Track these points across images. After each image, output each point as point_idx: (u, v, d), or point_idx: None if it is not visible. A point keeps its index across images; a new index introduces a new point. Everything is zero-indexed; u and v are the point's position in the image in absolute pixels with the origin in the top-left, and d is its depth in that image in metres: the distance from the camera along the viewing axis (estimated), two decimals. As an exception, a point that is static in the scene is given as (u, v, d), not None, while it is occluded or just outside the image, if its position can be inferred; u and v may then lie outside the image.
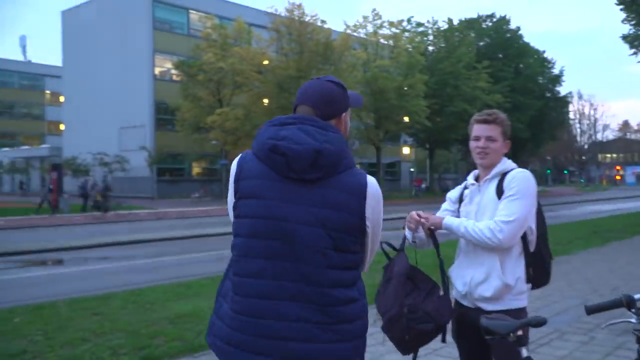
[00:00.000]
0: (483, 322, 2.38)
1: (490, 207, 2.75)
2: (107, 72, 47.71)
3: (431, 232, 2.81)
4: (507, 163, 2.87)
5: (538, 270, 2.80)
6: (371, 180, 1.97)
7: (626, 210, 27.26)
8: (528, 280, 2.78)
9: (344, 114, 2.08)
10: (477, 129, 2.88)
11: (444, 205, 3.09)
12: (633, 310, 2.25)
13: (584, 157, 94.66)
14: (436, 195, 43.05)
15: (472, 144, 2.89)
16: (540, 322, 2.27)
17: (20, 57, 78.88)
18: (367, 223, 1.95)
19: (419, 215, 2.79)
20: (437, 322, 2.51)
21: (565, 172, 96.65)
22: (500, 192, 2.75)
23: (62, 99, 57.28)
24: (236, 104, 38.43)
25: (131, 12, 45.90)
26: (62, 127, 56.70)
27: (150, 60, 45.28)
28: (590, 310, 2.35)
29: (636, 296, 2.25)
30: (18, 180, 56.16)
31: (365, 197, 1.93)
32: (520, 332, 2.27)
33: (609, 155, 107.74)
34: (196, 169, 47.55)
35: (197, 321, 6.42)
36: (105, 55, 48.05)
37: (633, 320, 2.26)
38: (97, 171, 43.99)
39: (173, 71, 44.41)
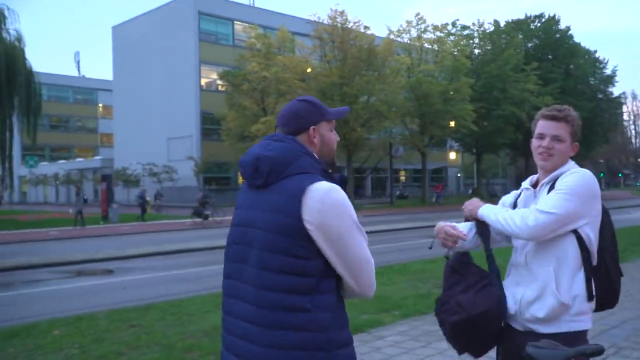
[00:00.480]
0: (528, 351, 2.06)
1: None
2: (155, 85, 48.91)
3: (476, 222, 2.61)
4: (569, 165, 2.53)
5: (602, 288, 2.44)
6: (321, 185, 1.93)
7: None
8: (590, 299, 2.38)
9: (312, 128, 2.10)
10: (542, 126, 2.52)
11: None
12: None
13: (639, 160, 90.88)
14: (484, 199, 42.02)
15: (535, 142, 2.53)
16: (598, 351, 1.97)
17: (74, 73, 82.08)
18: (307, 226, 1.90)
19: (453, 228, 2.57)
20: (468, 312, 2.41)
21: (620, 175, 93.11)
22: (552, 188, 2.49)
23: (113, 112, 59.02)
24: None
25: (178, 25, 46.96)
26: (113, 139, 58.37)
27: (197, 72, 46.16)
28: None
29: None
30: (73, 191, 57.98)
31: (301, 199, 1.91)
32: None
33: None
34: (242, 178, 48.01)
35: (232, 334, 6.31)
36: (153, 68, 49.30)
37: None
38: (146, 181, 45.10)
39: (218, 81, 45.09)
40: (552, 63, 49.69)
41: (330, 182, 1.97)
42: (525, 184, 2.65)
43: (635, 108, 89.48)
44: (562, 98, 46.17)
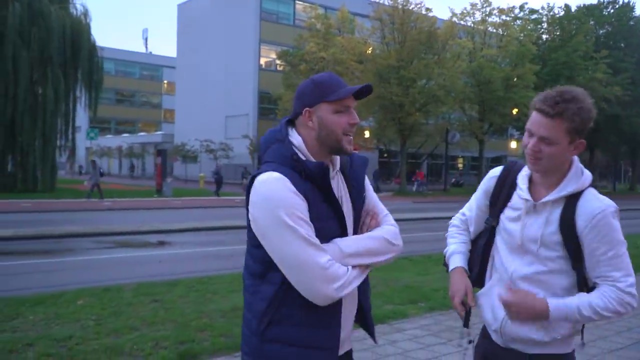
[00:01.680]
0: None
1: (547, 241, 2.05)
2: (216, 63, 49.54)
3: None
4: (577, 176, 2.06)
5: None
6: (262, 176, 1.89)
7: None
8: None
9: (307, 109, 1.98)
10: (532, 120, 2.03)
11: (470, 205, 2.40)
12: None
13: None
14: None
15: (524, 138, 2.09)
16: None
17: (142, 49, 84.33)
18: (249, 217, 1.94)
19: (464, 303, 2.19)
20: None
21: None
22: (567, 227, 2.01)
23: (175, 88, 60.32)
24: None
25: (240, 4, 47.22)
26: (174, 115, 59.75)
27: (257, 51, 46.39)
28: None
29: None
30: (129, 164, 59.86)
31: (249, 191, 1.92)
32: None
33: None
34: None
35: (251, 315, 6.22)
36: (214, 46, 49.91)
37: None
38: (203, 157, 45.97)
39: (277, 61, 45.16)
40: (624, 52, 47.00)
41: (299, 172, 1.89)
42: (522, 184, 2.15)
43: None
44: (633, 89, 43.74)
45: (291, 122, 2.04)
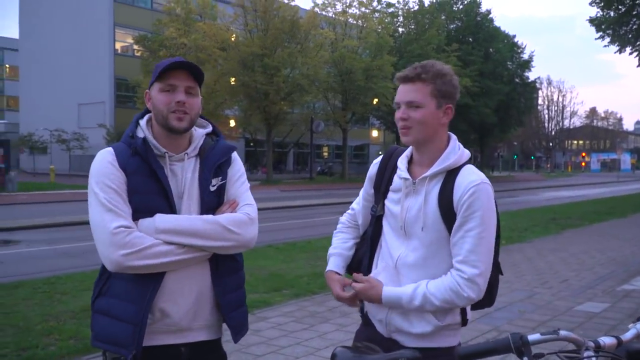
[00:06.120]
0: (335, 351, 1.75)
1: (428, 220, 1.96)
2: (66, 46, 46.00)
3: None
4: (454, 152, 2.00)
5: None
6: (100, 151, 2.07)
7: (587, 197, 27.30)
8: (464, 322, 2.05)
9: (146, 91, 2.10)
10: (398, 93, 2.01)
11: (358, 198, 2.31)
12: (525, 358, 1.48)
13: (551, 144, 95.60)
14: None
15: (396, 114, 2.02)
16: (412, 357, 1.62)
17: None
18: None
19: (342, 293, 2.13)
20: None
21: (532, 158, 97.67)
22: (445, 202, 1.94)
23: (19, 73, 55.17)
24: (199, 81, 37.29)
25: (91, -17, 44.16)
26: (19, 102, 54.70)
27: (111, 34, 43.77)
28: (463, 357, 1.53)
29: (530, 337, 1.50)
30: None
31: None
32: None
33: (575, 142, 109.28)
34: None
35: (104, 315, 5.76)
36: (63, 28, 46.30)
37: None
38: (54, 148, 42.61)
39: (134, 46, 42.96)
40: (472, 46, 50.78)
41: (127, 146, 2.00)
42: (402, 165, 2.07)
43: (549, 93, 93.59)
44: (481, 80, 47.44)
45: None
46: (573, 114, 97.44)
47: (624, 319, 5.89)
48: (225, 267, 2.06)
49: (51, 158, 43.50)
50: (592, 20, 23.97)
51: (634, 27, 23.55)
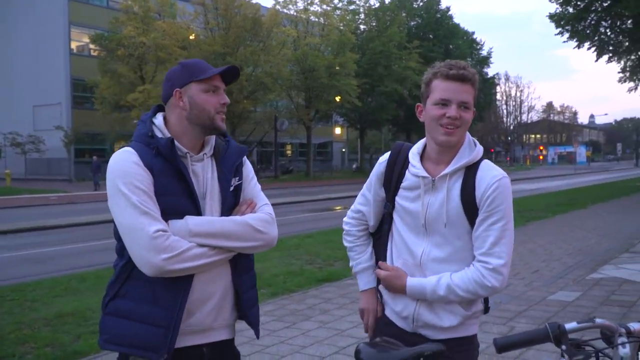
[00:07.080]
0: (359, 347, 1.76)
1: (451, 216, 1.97)
2: (19, 46, 44.65)
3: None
4: (470, 149, 2.03)
5: None
6: (114, 153, 2.02)
7: (547, 190, 28.01)
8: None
9: (176, 91, 2.05)
10: (445, 89, 1.94)
11: (366, 199, 2.26)
12: (563, 347, 1.50)
13: (509, 138, 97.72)
14: (367, 175, 43.10)
15: (435, 110, 1.96)
16: (437, 350, 1.63)
17: None
18: None
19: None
20: None
21: (492, 152, 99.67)
22: (468, 197, 1.96)
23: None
24: (159, 81, 36.62)
25: (45, -20, 42.89)
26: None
27: (66, 33, 42.63)
28: (502, 348, 1.57)
29: (567, 326, 1.53)
30: None
31: None
32: None
33: (533, 136, 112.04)
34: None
35: (79, 321, 5.68)
36: (16, 27, 44.87)
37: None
38: (8, 152, 41.24)
39: (91, 45, 41.96)
40: (433, 42, 51.44)
41: (153, 148, 1.95)
42: (416, 162, 2.06)
43: (507, 89, 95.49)
44: (441, 77, 48.08)
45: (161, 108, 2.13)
46: (530, 108, 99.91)
47: (597, 306, 6.07)
48: (243, 266, 2.09)
49: (5, 162, 42.10)
50: (551, 17, 24.54)
51: (592, 22, 24.27)
